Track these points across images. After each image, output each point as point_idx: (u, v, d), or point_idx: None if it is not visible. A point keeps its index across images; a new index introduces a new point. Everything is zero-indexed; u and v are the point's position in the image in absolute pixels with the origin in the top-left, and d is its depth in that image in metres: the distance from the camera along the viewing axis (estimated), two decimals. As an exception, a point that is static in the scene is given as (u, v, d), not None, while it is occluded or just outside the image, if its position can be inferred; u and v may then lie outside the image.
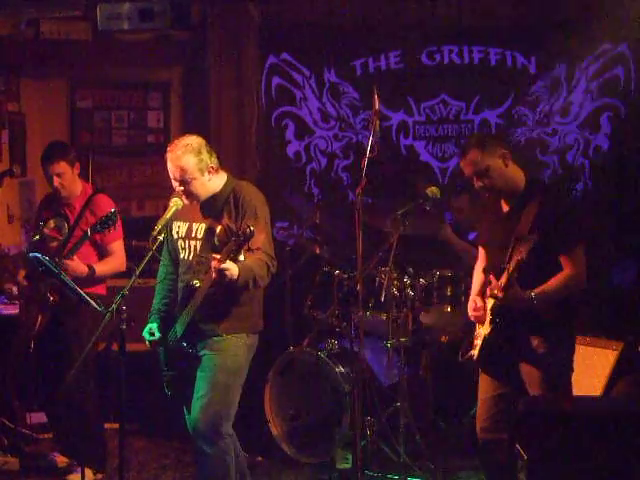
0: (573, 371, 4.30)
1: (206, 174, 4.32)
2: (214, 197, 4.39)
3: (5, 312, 6.01)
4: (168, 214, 4.33)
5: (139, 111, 7.57)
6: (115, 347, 4.69)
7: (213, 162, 4.35)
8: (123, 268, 5.31)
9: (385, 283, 5.37)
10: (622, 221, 6.57)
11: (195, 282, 4.30)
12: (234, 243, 4.03)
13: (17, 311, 5.76)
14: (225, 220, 4.30)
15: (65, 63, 7.29)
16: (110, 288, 5.33)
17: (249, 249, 4.15)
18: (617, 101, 6.77)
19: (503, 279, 4.07)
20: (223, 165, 4.50)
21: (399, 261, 5.48)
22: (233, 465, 4.37)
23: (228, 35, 7.12)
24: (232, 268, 4.08)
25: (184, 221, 4.46)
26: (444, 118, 7.02)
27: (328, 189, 7.17)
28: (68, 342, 5.11)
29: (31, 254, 4.77)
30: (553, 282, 4.08)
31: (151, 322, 4.52)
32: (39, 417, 6.03)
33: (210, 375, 4.33)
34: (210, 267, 4.12)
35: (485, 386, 4.36)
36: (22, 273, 5.32)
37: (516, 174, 4.23)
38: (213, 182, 4.37)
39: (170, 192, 4.48)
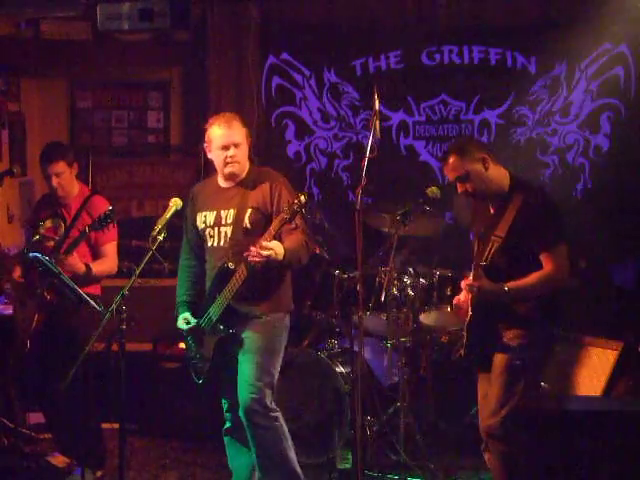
0: (541, 372, 4.39)
1: (247, 146, 4.53)
2: (240, 183, 4.52)
3: (5, 312, 6.00)
4: (168, 214, 4.35)
5: (139, 111, 7.57)
6: (115, 347, 4.69)
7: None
8: (114, 270, 5.32)
9: (385, 283, 5.37)
10: (622, 221, 6.57)
11: (230, 264, 4.36)
12: (284, 216, 4.17)
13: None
14: (253, 203, 4.42)
15: (65, 63, 7.30)
16: (108, 288, 5.33)
17: (294, 226, 4.32)
18: (617, 101, 6.76)
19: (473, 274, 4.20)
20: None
21: (399, 261, 5.50)
22: (286, 429, 4.54)
23: (228, 35, 7.12)
24: (277, 247, 4.23)
25: (210, 210, 4.56)
26: (444, 118, 7.02)
27: (328, 189, 7.17)
28: (66, 342, 5.11)
29: (31, 254, 4.77)
30: (529, 278, 4.12)
31: (182, 312, 4.62)
32: (39, 417, 6.02)
33: (253, 357, 4.44)
34: (249, 249, 4.22)
35: (482, 384, 4.39)
36: (18, 271, 5.31)
37: (499, 176, 4.29)
38: (246, 161, 4.55)
39: (171, 193, 4.53)
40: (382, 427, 5.45)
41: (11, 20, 6.97)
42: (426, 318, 5.61)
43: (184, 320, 4.59)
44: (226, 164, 4.48)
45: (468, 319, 4.25)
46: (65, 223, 5.26)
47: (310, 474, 5.42)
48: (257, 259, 4.22)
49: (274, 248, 4.21)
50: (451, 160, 4.27)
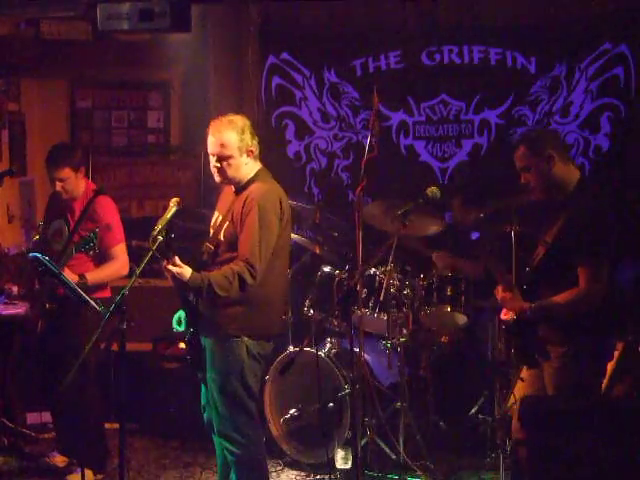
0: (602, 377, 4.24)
1: (244, 156, 4.32)
2: (236, 191, 4.40)
3: (5, 312, 6.00)
4: (168, 214, 4.34)
5: (139, 111, 7.58)
6: (115, 347, 4.69)
7: (253, 145, 4.35)
8: (125, 271, 5.29)
9: (385, 283, 5.37)
10: (622, 221, 6.56)
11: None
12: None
13: (17, 311, 5.77)
14: (230, 216, 4.34)
15: (65, 63, 7.30)
16: (113, 288, 5.33)
17: (234, 258, 4.19)
18: (617, 101, 6.76)
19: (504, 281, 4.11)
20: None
21: (399, 261, 5.49)
22: (264, 456, 4.45)
23: (228, 35, 7.13)
24: (181, 273, 4.11)
25: (217, 213, 4.51)
26: (444, 118, 7.01)
27: (328, 189, 7.17)
28: (68, 342, 5.11)
29: (31, 254, 4.77)
30: (561, 297, 4.00)
31: (180, 310, 4.51)
32: (39, 417, 6.03)
33: (215, 380, 4.35)
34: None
35: (525, 385, 4.25)
36: (20, 277, 5.32)
37: (564, 177, 4.14)
38: (248, 167, 4.35)
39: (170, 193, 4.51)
40: (382, 427, 5.45)
41: (11, 20, 6.97)
42: (426, 318, 5.61)
43: (177, 320, 4.51)
44: (213, 172, 4.42)
45: (512, 321, 4.14)
46: (68, 227, 5.25)
47: (310, 474, 5.44)
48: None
49: (173, 271, 4.10)
50: (520, 150, 4.17)
